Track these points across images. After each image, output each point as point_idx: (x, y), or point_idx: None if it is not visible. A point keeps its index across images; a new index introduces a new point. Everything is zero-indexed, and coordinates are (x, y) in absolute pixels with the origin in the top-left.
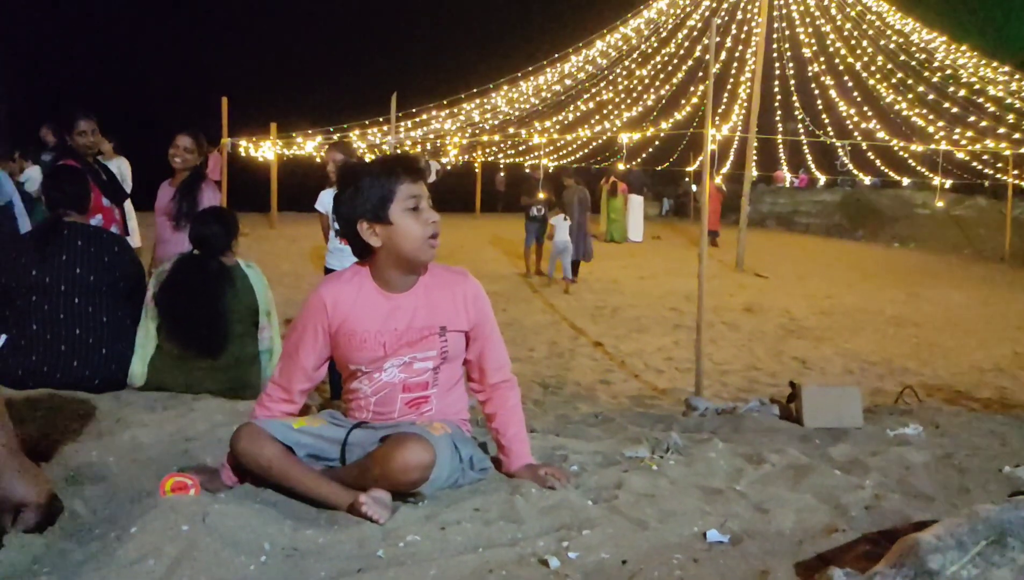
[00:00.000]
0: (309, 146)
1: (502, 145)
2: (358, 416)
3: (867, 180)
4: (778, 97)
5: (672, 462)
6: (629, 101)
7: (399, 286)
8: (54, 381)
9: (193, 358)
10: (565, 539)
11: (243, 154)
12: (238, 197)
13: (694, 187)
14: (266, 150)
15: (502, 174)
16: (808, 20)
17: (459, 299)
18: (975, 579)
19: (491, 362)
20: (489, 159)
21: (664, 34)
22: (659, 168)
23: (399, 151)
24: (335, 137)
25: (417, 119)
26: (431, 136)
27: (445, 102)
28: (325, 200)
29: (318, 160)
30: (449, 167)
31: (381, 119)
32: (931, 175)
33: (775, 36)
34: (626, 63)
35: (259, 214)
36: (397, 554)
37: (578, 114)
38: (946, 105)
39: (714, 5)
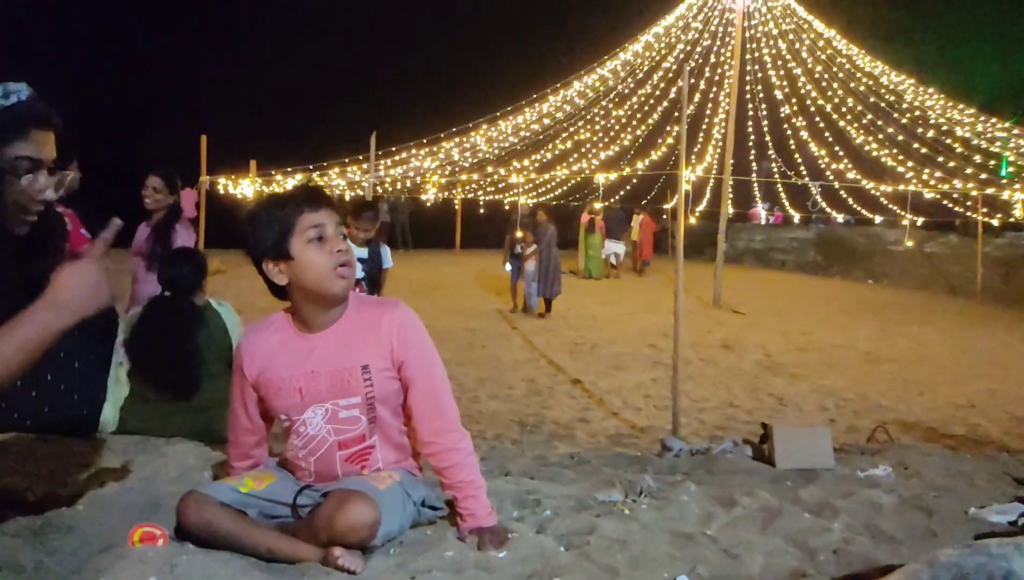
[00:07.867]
0: (289, 184)
1: (481, 183)
2: (301, 479)
3: (839, 218)
4: (752, 137)
5: (644, 506)
6: (606, 140)
7: (317, 325)
8: (24, 427)
9: (166, 401)
10: None
11: (221, 192)
12: (217, 234)
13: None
14: (245, 188)
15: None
16: (780, 63)
17: (383, 331)
18: None
19: (422, 413)
20: (469, 196)
21: (640, 75)
22: (636, 208)
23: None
24: (315, 175)
25: (397, 157)
26: (411, 174)
27: (425, 141)
28: None
29: None
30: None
31: (361, 157)
32: (902, 213)
33: (748, 79)
34: (603, 103)
35: (237, 251)
36: None
37: (556, 153)
38: (915, 145)
39: (688, 49)
